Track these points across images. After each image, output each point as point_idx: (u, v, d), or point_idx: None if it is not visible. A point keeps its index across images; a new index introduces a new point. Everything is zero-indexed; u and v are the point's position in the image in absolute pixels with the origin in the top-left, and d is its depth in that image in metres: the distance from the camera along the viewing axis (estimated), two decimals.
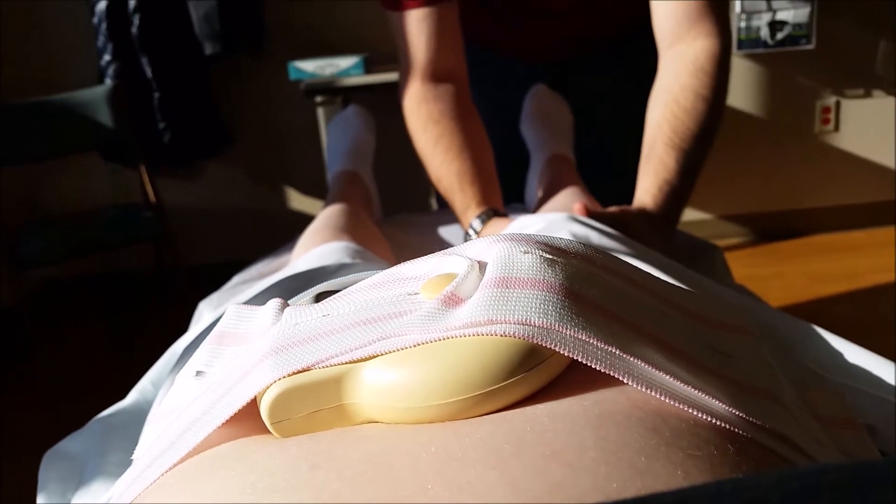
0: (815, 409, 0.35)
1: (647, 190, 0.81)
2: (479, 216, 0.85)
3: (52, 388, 2.03)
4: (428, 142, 0.91)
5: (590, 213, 0.76)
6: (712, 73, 0.83)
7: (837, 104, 2.59)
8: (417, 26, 0.89)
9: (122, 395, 0.63)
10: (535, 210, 1.00)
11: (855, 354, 0.52)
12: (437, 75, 0.92)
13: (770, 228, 2.70)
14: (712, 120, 0.83)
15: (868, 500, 0.14)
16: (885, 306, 2.08)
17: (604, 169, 0.87)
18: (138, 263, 2.60)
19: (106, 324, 2.50)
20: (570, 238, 0.64)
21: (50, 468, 0.52)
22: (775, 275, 2.36)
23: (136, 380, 0.65)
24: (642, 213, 0.80)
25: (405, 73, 0.94)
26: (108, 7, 2.28)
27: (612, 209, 0.80)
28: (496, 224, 0.83)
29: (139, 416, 0.57)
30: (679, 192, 0.81)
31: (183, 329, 0.90)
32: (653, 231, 0.79)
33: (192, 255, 2.54)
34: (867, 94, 2.59)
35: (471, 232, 0.85)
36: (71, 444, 0.54)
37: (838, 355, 0.53)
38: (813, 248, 2.57)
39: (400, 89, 0.96)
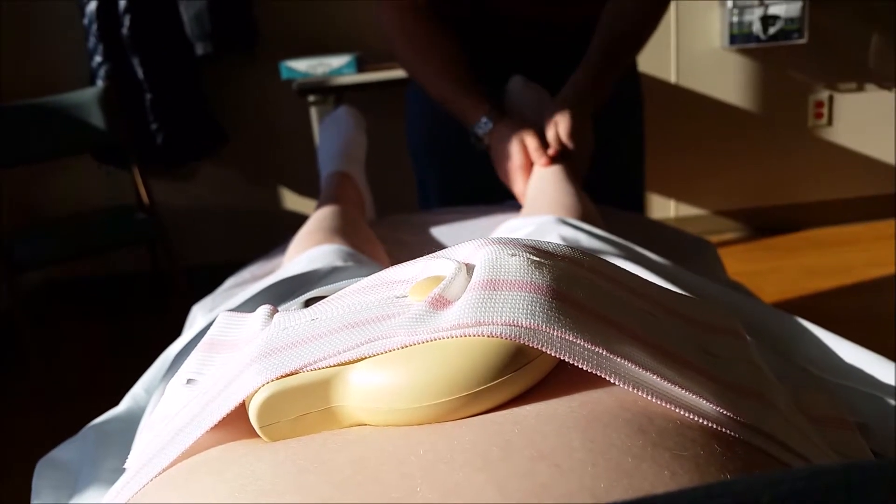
0: (809, 408, 0.35)
1: (571, 82, 1.00)
2: (485, 116, 0.99)
3: (46, 392, 2.02)
4: (419, 60, 1.07)
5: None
6: (653, 1, 1.04)
7: (830, 98, 2.60)
8: None
9: (118, 399, 0.63)
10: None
11: (849, 351, 0.52)
12: (408, 2, 1.06)
13: (765, 223, 2.70)
14: (641, 34, 1.06)
15: (859, 503, 0.14)
16: (880, 300, 2.09)
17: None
18: (134, 265, 2.60)
19: (102, 326, 2.50)
20: (560, 240, 0.64)
21: (43, 476, 0.52)
22: (770, 269, 2.37)
23: (133, 383, 0.65)
24: (570, 110, 0.96)
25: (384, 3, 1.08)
26: (99, 8, 2.27)
27: (554, 117, 0.96)
28: (505, 124, 0.97)
29: (132, 423, 0.57)
30: (599, 82, 1.00)
31: (179, 330, 0.90)
32: (583, 124, 0.96)
33: (186, 255, 2.53)
34: (860, 88, 2.60)
35: (480, 129, 0.99)
36: (64, 451, 0.54)
37: (832, 353, 0.53)
38: (808, 242, 2.58)
39: (381, 19, 1.10)
